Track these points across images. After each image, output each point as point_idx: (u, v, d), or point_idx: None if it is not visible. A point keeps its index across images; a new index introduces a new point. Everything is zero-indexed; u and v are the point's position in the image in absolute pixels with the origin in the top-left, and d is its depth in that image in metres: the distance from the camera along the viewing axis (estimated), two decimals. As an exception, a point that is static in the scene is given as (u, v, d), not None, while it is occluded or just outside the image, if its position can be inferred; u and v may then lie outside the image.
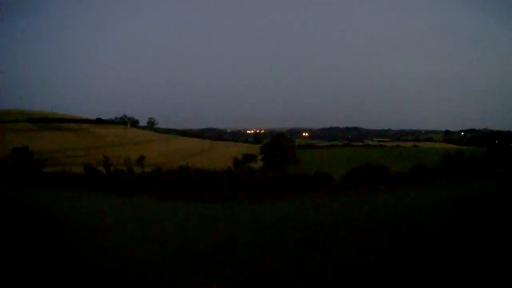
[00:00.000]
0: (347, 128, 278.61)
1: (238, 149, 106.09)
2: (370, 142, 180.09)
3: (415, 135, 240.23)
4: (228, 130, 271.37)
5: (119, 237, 9.59)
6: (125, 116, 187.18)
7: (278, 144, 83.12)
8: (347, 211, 13.32)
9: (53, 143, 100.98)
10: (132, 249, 8.25)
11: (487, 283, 5.42)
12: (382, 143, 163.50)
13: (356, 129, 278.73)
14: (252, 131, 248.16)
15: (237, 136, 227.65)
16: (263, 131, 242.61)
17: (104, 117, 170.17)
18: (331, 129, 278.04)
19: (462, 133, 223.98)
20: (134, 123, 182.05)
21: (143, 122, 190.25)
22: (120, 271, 6.63)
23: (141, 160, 68.65)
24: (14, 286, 5.91)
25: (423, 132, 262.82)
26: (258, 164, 72.34)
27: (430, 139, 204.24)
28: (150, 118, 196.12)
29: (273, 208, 15.90)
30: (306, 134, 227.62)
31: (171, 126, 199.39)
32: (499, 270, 5.80)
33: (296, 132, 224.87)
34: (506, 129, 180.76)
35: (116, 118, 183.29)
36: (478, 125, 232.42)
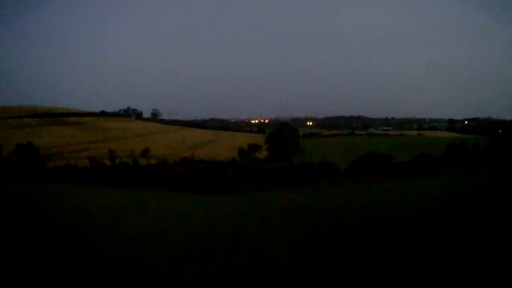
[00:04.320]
0: (351, 117, 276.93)
1: (243, 139, 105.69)
2: (374, 131, 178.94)
3: (419, 124, 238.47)
4: (232, 120, 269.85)
5: (126, 230, 9.63)
6: (129, 108, 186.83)
7: (283, 134, 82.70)
8: (353, 201, 13.37)
9: (57, 137, 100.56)
10: (139, 242, 8.29)
11: (488, 272, 5.48)
12: (386, 132, 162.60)
13: (360, 117, 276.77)
14: (256, 121, 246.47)
15: (242, 126, 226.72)
16: (267, 120, 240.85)
17: (108, 110, 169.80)
18: (335, 118, 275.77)
19: (466, 122, 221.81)
20: (138, 115, 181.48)
21: (146, 114, 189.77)
22: (127, 264, 6.69)
23: (146, 152, 68.54)
24: (21, 280, 5.96)
25: (427, 120, 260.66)
26: (263, 154, 72.15)
27: (434, 128, 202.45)
28: (154, 110, 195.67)
29: (279, 198, 15.97)
30: (310, 123, 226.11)
31: (175, 118, 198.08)
32: (501, 260, 5.86)
33: (300, 121, 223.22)
34: (509, 118, 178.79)
35: (120, 110, 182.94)
36: (482, 114, 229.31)
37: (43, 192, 19.33)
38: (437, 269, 5.66)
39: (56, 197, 17.38)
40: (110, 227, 10.23)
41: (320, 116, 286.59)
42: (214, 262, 6.57)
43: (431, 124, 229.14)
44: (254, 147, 71.99)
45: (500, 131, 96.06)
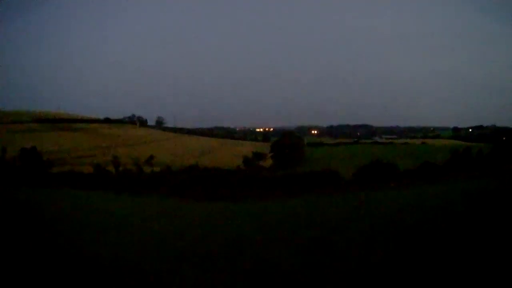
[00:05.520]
0: (355, 126, 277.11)
1: (248, 147, 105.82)
2: (379, 139, 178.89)
3: (424, 132, 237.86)
4: (237, 129, 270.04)
5: (129, 236, 9.64)
6: (133, 115, 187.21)
7: (287, 142, 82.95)
8: (356, 209, 13.32)
9: (61, 143, 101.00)
10: (142, 248, 8.29)
11: (490, 281, 5.44)
12: (391, 140, 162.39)
13: (364, 126, 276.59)
14: (261, 130, 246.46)
15: (246, 134, 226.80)
16: (272, 129, 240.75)
17: (112, 117, 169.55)
18: (339, 126, 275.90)
19: (470, 130, 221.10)
20: (142, 122, 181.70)
21: (151, 122, 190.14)
22: (129, 270, 6.68)
23: (150, 159, 68.62)
24: (23, 285, 5.93)
25: (432, 129, 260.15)
26: (267, 162, 72.19)
27: (438, 136, 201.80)
28: (158, 117, 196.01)
29: (283, 206, 15.94)
30: (315, 132, 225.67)
31: (179, 125, 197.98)
32: (503, 269, 5.82)
33: (305, 129, 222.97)
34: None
35: (125, 117, 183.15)
36: (486, 122, 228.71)
37: (46, 196, 19.31)
38: (438, 276, 5.63)
39: (59, 201, 17.36)
40: (113, 230, 10.23)
41: (325, 124, 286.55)
42: (216, 269, 6.55)
43: (436, 132, 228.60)
44: (259, 155, 72.20)
45: (504, 138, 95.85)
